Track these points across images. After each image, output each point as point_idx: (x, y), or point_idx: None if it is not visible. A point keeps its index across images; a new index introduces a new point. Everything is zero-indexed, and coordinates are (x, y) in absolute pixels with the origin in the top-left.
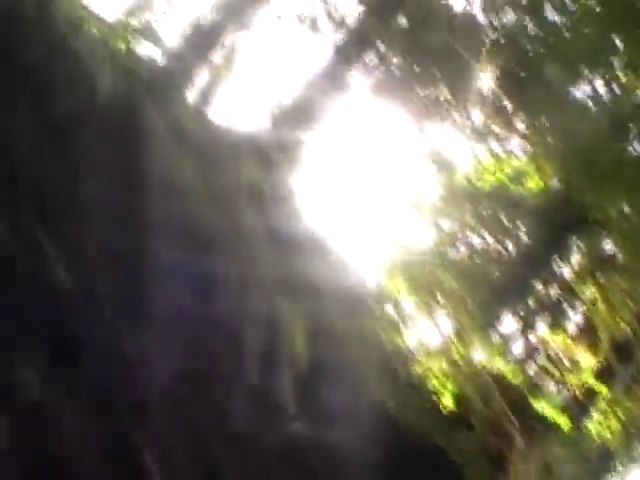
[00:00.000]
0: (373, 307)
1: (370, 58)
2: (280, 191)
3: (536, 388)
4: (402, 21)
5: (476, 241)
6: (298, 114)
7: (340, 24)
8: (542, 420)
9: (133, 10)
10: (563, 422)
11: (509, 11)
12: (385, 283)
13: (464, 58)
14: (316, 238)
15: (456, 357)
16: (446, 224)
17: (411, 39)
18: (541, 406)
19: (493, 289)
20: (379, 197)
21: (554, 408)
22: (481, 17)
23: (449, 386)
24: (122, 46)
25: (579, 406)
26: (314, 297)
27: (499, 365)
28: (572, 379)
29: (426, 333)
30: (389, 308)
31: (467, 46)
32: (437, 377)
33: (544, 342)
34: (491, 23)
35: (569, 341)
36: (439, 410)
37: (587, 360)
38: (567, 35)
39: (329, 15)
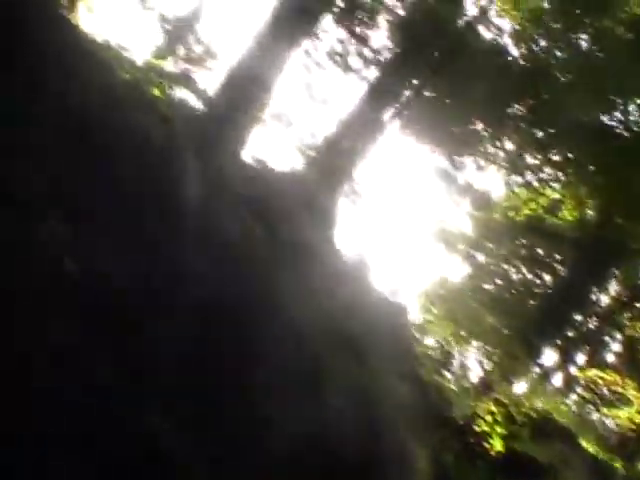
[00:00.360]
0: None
1: (403, 94)
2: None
3: (583, 425)
4: (435, 55)
5: (512, 273)
6: (333, 153)
7: (372, 61)
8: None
9: (163, 52)
10: (616, 462)
11: (540, 40)
12: (422, 317)
13: (497, 89)
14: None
15: (502, 396)
16: (481, 257)
17: (443, 73)
18: (592, 447)
19: (531, 322)
20: (414, 231)
21: (604, 448)
22: (512, 47)
23: (498, 429)
24: (156, 91)
25: (629, 443)
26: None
27: (543, 401)
28: (618, 414)
29: (466, 369)
30: (428, 344)
31: (499, 77)
32: (484, 418)
33: (585, 375)
34: (522, 53)
35: (611, 374)
36: (489, 454)
37: (633, 393)
38: (599, 63)
39: (360, 53)
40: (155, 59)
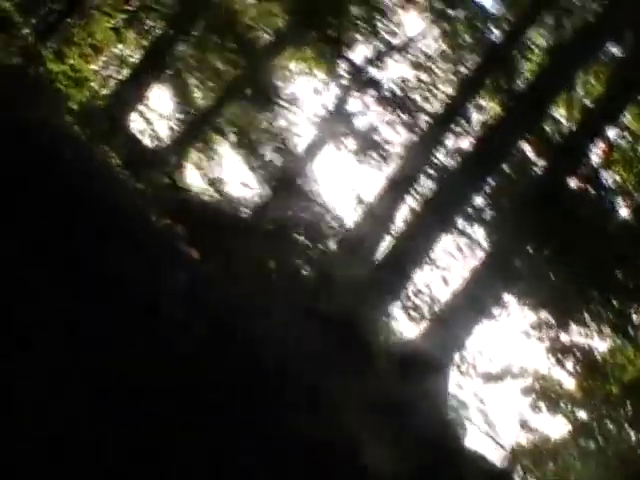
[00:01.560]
0: None
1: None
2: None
3: None
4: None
5: (617, 432)
6: (448, 323)
7: (476, 220)
8: None
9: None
10: None
11: None
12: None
13: (607, 251)
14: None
15: None
16: (584, 414)
17: (553, 236)
18: None
19: None
20: (515, 389)
21: None
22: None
23: None
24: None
25: None
26: None
27: None
28: None
29: None
30: None
31: (611, 238)
32: None
33: None
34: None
35: None
36: None
37: None
38: None
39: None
40: None
